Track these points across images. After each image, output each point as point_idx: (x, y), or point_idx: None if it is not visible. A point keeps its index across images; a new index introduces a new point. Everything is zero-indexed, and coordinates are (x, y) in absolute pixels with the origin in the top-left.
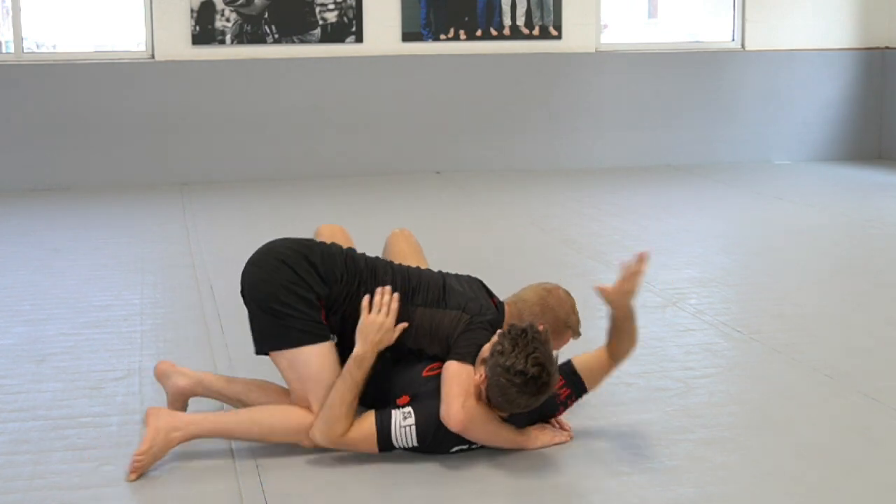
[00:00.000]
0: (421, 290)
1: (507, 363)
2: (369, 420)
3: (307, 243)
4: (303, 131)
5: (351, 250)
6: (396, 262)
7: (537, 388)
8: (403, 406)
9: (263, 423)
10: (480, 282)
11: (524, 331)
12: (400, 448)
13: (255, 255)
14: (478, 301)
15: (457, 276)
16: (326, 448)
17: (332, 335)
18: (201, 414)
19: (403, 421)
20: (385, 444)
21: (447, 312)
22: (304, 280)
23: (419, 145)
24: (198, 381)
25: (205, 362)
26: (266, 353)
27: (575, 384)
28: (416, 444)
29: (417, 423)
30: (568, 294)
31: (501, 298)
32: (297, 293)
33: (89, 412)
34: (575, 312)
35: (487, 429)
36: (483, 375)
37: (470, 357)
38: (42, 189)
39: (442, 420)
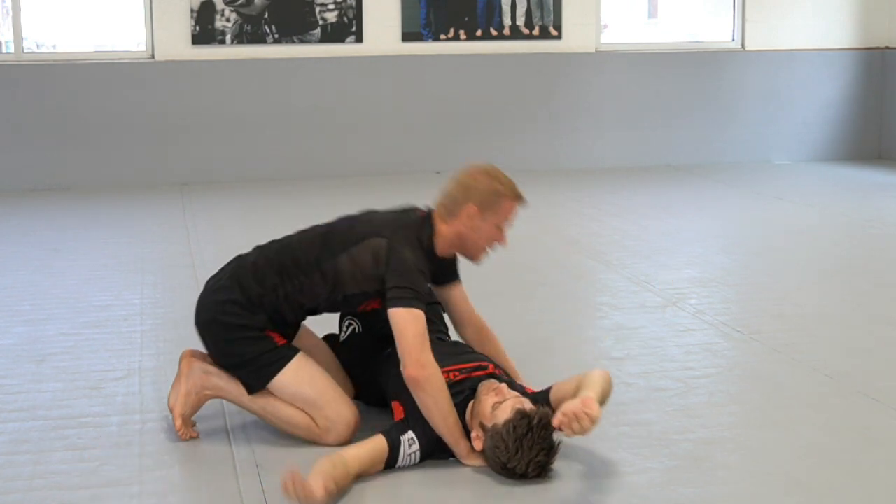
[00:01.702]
0: (335, 238)
1: (509, 465)
2: (381, 447)
3: (224, 280)
4: (303, 131)
5: (260, 250)
6: None
7: (534, 477)
8: (405, 431)
9: (277, 416)
10: (413, 206)
11: (529, 430)
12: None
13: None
14: (393, 219)
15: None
16: (321, 443)
17: (295, 348)
18: (227, 381)
19: (409, 448)
20: (390, 466)
21: (364, 244)
22: (237, 325)
23: (419, 145)
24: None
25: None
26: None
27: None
28: (418, 461)
29: (421, 448)
30: (486, 164)
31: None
32: (239, 340)
33: (89, 412)
34: (498, 177)
35: (440, 405)
36: (481, 446)
37: (412, 299)
38: (42, 189)
39: (404, 374)
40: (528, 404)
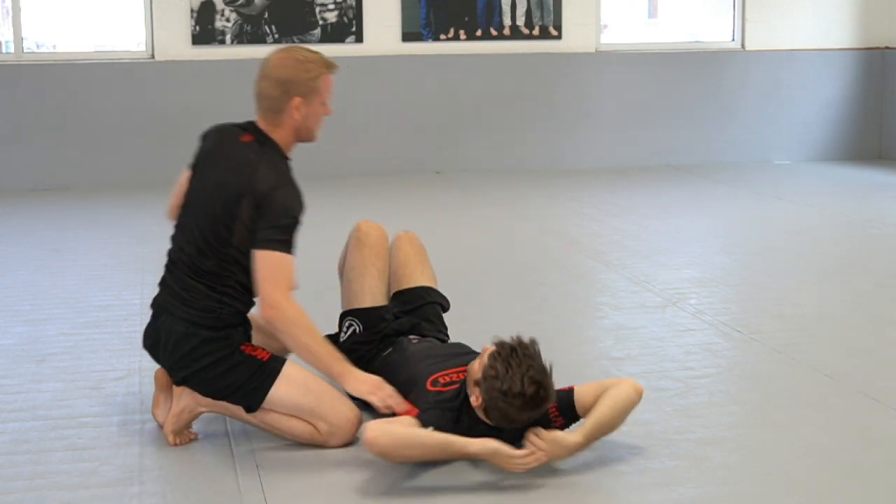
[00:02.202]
0: (219, 210)
1: (504, 387)
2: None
3: (176, 332)
4: None
5: (170, 281)
6: (400, 266)
7: (537, 404)
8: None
9: (275, 427)
10: None
11: (514, 349)
12: None
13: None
14: (250, 163)
15: None
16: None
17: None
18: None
19: None
20: None
21: (246, 200)
22: (215, 361)
23: (419, 145)
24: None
25: None
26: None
27: (568, 416)
28: None
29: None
30: (288, 48)
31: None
32: (224, 373)
33: (89, 412)
34: (307, 58)
35: (296, 337)
36: (479, 398)
37: (282, 243)
38: (42, 189)
39: (264, 313)
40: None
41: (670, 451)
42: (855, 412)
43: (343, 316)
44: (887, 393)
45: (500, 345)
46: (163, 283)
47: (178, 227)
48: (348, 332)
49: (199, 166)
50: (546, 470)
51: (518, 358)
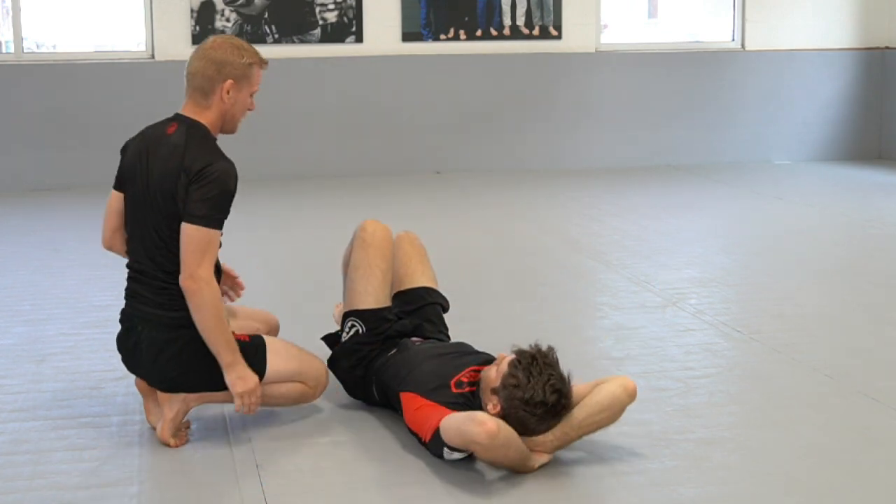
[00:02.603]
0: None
1: (526, 396)
2: (433, 421)
3: (161, 337)
4: (302, 131)
5: (136, 265)
6: (401, 266)
7: (557, 413)
8: (452, 450)
9: (268, 395)
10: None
11: (534, 358)
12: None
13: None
14: (198, 152)
15: None
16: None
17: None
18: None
19: (449, 455)
20: (433, 450)
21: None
22: (206, 354)
23: (419, 145)
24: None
25: None
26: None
27: None
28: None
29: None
30: (227, 36)
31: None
32: (217, 366)
33: (89, 412)
34: (244, 47)
35: (205, 316)
36: (498, 406)
37: (211, 219)
38: (42, 189)
39: (183, 282)
40: None
41: (670, 451)
42: (855, 412)
43: (346, 316)
44: (887, 393)
45: (520, 353)
46: (132, 295)
47: (130, 241)
48: (350, 333)
49: (129, 177)
50: (546, 470)
51: (539, 367)
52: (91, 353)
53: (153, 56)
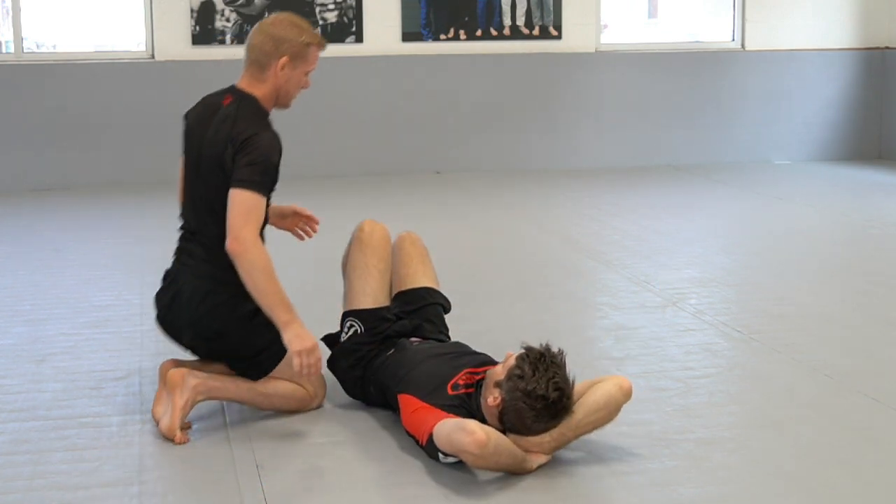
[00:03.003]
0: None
1: (528, 388)
2: (428, 425)
3: (202, 287)
4: (302, 131)
5: (187, 226)
6: (402, 266)
7: (555, 413)
8: (446, 454)
9: (270, 394)
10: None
11: (542, 354)
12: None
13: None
14: (232, 120)
15: None
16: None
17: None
18: (219, 380)
19: (444, 459)
20: (429, 452)
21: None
22: (250, 312)
23: (419, 145)
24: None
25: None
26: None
27: None
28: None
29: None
30: (289, 14)
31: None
32: (256, 328)
33: (89, 412)
34: (302, 25)
35: (254, 277)
36: (499, 398)
37: (258, 184)
38: (42, 189)
39: (230, 245)
40: None
41: (670, 451)
42: (855, 412)
43: (344, 316)
44: (887, 393)
45: (530, 349)
46: (179, 251)
47: (184, 202)
48: (349, 333)
49: (187, 143)
50: (545, 470)
51: (546, 364)
52: (91, 353)
53: (153, 56)
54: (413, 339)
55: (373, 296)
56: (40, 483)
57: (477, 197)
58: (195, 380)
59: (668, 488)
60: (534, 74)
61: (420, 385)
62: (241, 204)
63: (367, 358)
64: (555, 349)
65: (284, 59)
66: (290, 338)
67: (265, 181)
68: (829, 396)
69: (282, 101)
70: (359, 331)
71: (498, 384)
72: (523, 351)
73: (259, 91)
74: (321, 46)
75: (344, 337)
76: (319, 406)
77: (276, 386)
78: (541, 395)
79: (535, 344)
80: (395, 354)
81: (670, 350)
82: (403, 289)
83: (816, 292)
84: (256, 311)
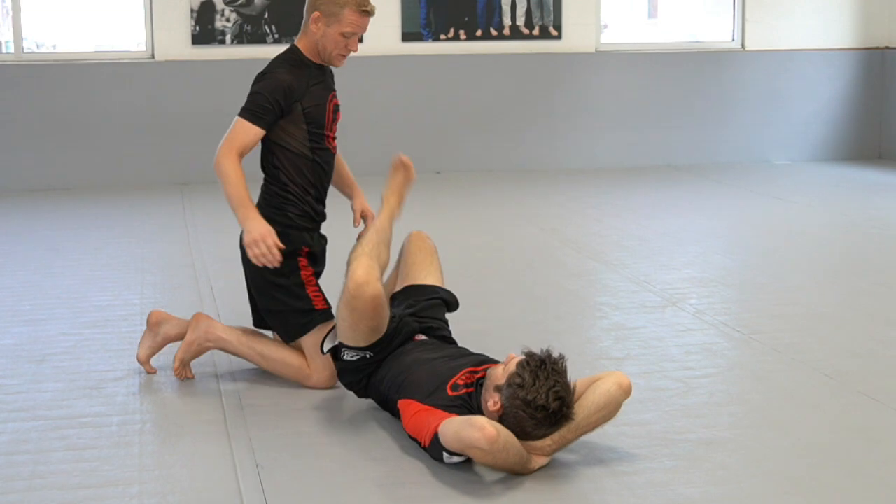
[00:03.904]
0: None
1: (528, 397)
2: (431, 426)
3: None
4: None
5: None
6: (410, 264)
7: (556, 421)
8: (451, 454)
9: (272, 359)
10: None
11: (543, 362)
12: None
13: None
14: (271, 64)
15: None
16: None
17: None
18: (226, 332)
19: (449, 459)
20: (433, 453)
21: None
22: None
23: (419, 145)
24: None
25: (204, 361)
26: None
27: None
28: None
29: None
30: None
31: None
32: (273, 278)
33: (89, 412)
34: None
35: (227, 186)
36: (499, 404)
37: (252, 112)
38: (42, 189)
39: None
40: None
41: (670, 451)
42: (855, 412)
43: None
44: (887, 393)
45: (530, 355)
46: None
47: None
48: (356, 357)
49: None
50: (545, 471)
51: (546, 371)
52: (91, 353)
53: (153, 56)
54: (417, 336)
55: (366, 339)
56: (40, 483)
57: (477, 197)
58: (206, 322)
59: (668, 488)
60: (534, 74)
61: (419, 388)
62: (230, 128)
63: (371, 370)
64: (556, 355)
65: (316, 13)
66: (247, 228)
67: (255, 110)
68: (829, 396)
69: (325, 57)
70: (367, 356)
71: (498, 388)
72: (524, 357)
73: (301, 43)
74: (360, 10)
75: (351, 357)
76: (320, 388)
77: (281, 352)
78: (541, 406)
79: (537, 347)
80: (393, 360)
81: (670, 350)
82: (410, 284)
83: (816, 292)
84: (294, 270)
